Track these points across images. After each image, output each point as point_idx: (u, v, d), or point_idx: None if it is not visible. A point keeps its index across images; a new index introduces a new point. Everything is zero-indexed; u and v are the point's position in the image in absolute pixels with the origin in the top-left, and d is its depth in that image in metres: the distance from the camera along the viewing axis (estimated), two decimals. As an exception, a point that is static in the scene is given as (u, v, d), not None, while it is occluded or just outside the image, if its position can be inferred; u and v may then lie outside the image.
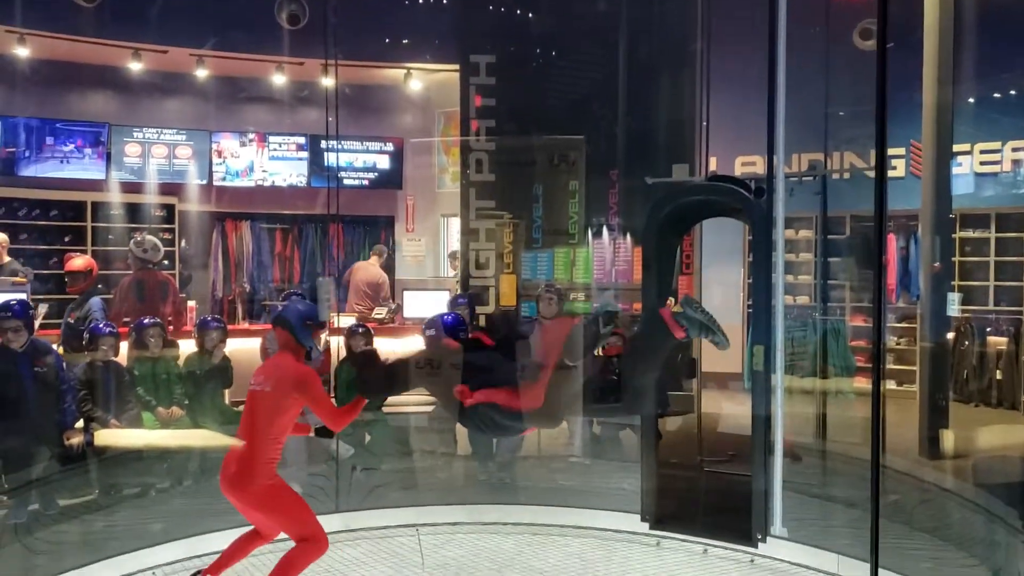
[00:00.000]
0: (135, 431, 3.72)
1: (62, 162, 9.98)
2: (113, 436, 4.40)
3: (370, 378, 5.04)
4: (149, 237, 8.13)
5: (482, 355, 4.68)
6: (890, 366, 10.20)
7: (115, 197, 10.26)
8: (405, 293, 9.48)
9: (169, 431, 3.24)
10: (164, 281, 8.26)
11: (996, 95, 9.41)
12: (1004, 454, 7.15)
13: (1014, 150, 9.57)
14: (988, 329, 9.50)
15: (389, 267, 11.13)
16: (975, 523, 5.48)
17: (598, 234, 9.37)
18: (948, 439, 7.08)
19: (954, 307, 7.16)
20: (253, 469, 4.33)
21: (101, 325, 6.50)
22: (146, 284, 7.99)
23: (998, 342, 9.40)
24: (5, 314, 5.77)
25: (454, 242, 10.59)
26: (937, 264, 7.11)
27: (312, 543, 4.46)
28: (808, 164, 7.44)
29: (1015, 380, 9.04)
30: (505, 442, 6.94)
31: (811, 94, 7.27)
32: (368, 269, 9.90)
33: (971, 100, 9.41)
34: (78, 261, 7.52)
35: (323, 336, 4.64)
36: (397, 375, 4.76)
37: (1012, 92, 9.33)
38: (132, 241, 8.12)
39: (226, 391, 6.88)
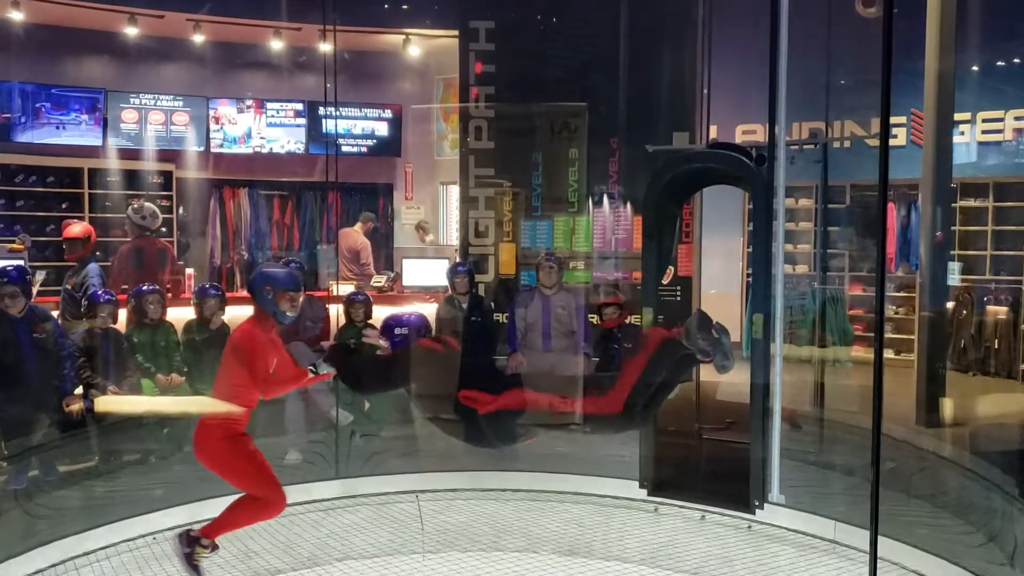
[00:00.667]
0: (135, 397, 3.76)
1: (58, 128, 9.92)
2: (113, 402, 4.43)
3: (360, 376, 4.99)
4: (147, 204, 8.11)
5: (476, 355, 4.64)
6: (888, 335, 10.22)
7: (112, 164, 10.21)
8: (404, 261, 9.47)
9: (168, 397, 3.25)
10: (162, 248, 8.25)
11: (999, 63, 9.34)
12: (1001, 422, 7.19)
13: (1016, 119, 9.52)
14: (986, 298, 9.50)
15: (387, 235, 11.14)
16: (971, 490, 5.52)
17: (598, 202, 9.34)
18: (946, 407, 7.11)
19: (955, 276, 7.15)
20: (203, 427, 4.44)
21: (99, 292, 6.49)
22: (144, 251, 7.97)
23: (996, 311, 9.41)
24: (2, 280, 5.75)
25: (453, 210, 10.57)
26: (939, 234, 7.10)
27: (263, 503, 4.49)
28: (809, 133, 7.40)
29: (1012, 349, 9.07)
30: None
31: (812, 62, 7.21)
32: (350, 235, 9.88)
33: (974, 68, 9.34)
34: (76, 228, 7.50)
35: (294, 301, 4.63)
36: (389, 375, 4.74)
37: (1016, 60, 9.28)
38: (130, 208, 8.09)
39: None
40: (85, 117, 10.04)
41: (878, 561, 3.30)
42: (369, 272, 9.53)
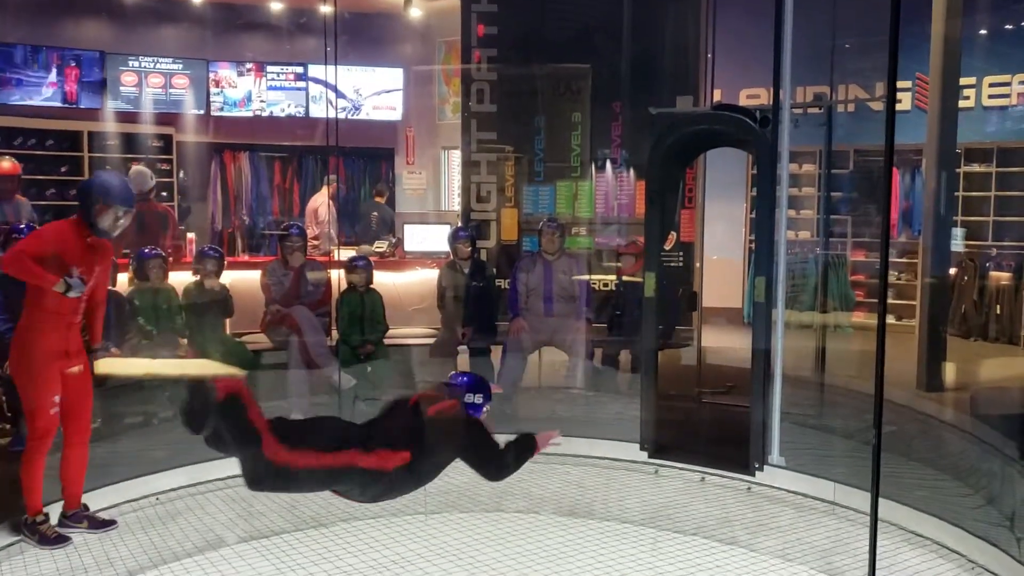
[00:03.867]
0: (134, 360, 3.70)
1: (57, 90, 9.85)
2: (112, 364, 4.39)
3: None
4: (135, 167, 8.10)
5: None
6: (890, 301, 10.22)
7: (112, 127, 10.15)
8: (406, 227, 9.43)
9: (168, 360, 3.22)
10: (163, 213, 8.23)
11: (1007, 27, 9.25)
12: (1000, 386, 7.21)
13: (1022, 83, 9.45)
14: (988, 264, 9.49)
15: (390, 201, 11.07)
16: (971, 453, 5.55)
17: (601, 167, 9.30)
18: (947, 371, 7.13)
19: (958, 242, 7.14)
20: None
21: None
22: (144, 216, 7.95)
23: (999, 277, 9.41)
24: (13, 236, 5.71)
25: (455, 175, 10.53)
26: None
27: (30, 446, 4.48)
28: (813, 96, 7.34)
29: (1014, 315, 9.08)
30: (507, 373, 7.00)
31: (817, 25, 7.15)
32: (314, 199, 9.94)
33: (981, 32, 9.25)
34: (6, 163, 7.47)
35: (117, 220, 4.43)
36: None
37: (1018, 24, 9.17)
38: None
39: (227, 321, 6.91)
40: (84, 80, 9.97)
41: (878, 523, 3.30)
42: (324, 230, 9.48)
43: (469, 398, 3.90)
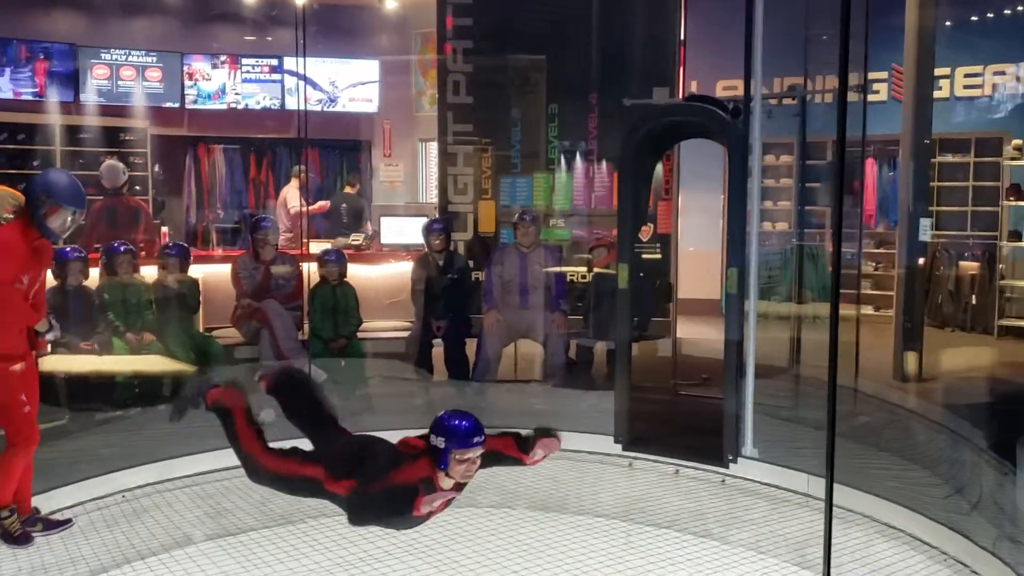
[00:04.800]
0: (78, 357, 3.56)
1: (28, 83, 9.72)
2: (59, 362, 4.25)
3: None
4: (108, 161, 8.01)
5: None
6: (867, 291, 10.25)
7: (85, 120, 10.03)
8: (382, 219, 9.37)
9: (116, 357, 3.14)
10: (135, 207, 8.14)
11: (974, 18, 9.26)
12: (973, 376, 7.22)
13: (995, 74, 9.46)
14: (965, 254, 9.51)
15: (367, 193, 10.99)
16: (941, 443, 5.55)
17: (578, 159, 9.25)
18: (911, 361, 7.14)
19: (927, 233, 7.15)
20: None
21: (68, 249, 6.40)
22: (116, 210, 7.87)
23: (973, 267, 9.44)
24: None
25: (433, 167, 10.46)
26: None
27: (14, 447, 4.38)
28: (788, 87, 7.33)
29: (989, 305, 9.10)
30: (481, 366, 6.97)
31: (792, 16, 7.13)
32: (284, 190, 9.96)
33: (955, 23, 9.25)
34: None
35: (66, 223, 4.18)
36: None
37: (990, 15, 9.18)
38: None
39: (197, 316, 6.84)
40: (56, 72, 9.84)
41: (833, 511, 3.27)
42: (295, 223, 9.42)
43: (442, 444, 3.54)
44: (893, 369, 7.29)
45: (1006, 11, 8.71)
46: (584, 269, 7.60)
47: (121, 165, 8.10)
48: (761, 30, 4.93)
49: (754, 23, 5.01)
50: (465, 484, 3.65)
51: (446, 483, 3.56)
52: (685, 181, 9.41)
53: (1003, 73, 9.16)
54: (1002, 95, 9.46)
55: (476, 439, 3.51)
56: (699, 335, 8.72)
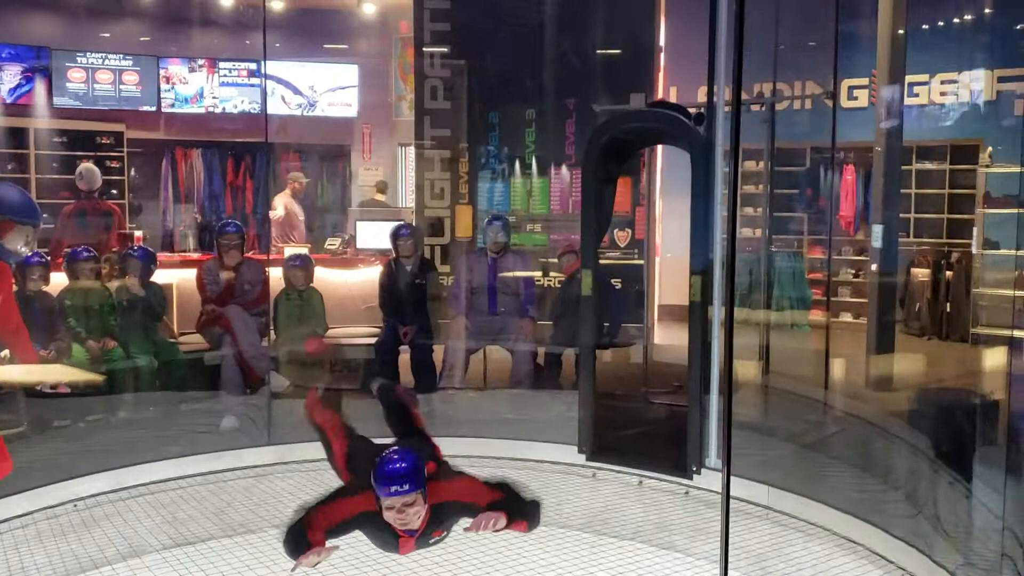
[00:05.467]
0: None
1: (1, 86, 9.64)
2: None
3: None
4: (85, 164, 7.95)
5: None
6: (846, 299, 10.22)
7: (59, 124, 9.95)
8: (358, 224, 9.31)
9: (20, 367, 3.02)
10: (107, 211, 8.07)
11: (955, 21, 9.21)
12: (944, 386, 7.18)
13: (973, 80, 9.42)
14: (941, 262, 9.47)
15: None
16: (896, 452, 5.50)
17: (555, 164, 9.22)
18: (881, 369, 7.11)
19: (879, 239, 7.11)
20: None
21: (29, 254, 6.33)
22: (87, 213, 7.81)
23: (948, 275, 9.39)
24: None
25: (412, 171, 10.41)
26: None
27: None
28: (756, 93, 7.28)
29: (964, 312, 9.05)
30: (450, 373, 6.92)
31: (763, 22, 7.10)
32: (276, 198, 9.88)
33: (929, 28, 9.21)
34: None
35: (27, 237, 3.90)
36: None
37: (967, 19, 9.13)
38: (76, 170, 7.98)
39: (159, 323, 6.77)
40: (30, 75, 9.76)
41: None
42: (287, 231, 9.40)
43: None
44: (865, 377, 7.23)
45: (985, 15, 8.66)
46: (543, 275, 7.56)
47: (90, 167, 8.04)
48: (724, 35, 4.87)
49: (717, 28, 4.95)
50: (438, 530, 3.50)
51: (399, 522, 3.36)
52: (667, 189, 9.38)
53: (978, 80, 9.11)
54: (968, 103, 9.42)
55: (395, 487, 3.26)
56: (677, 342, 8.66)
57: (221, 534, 4.91)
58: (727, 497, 2.57)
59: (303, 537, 3.41)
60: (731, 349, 2.42)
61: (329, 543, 3.42)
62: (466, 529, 3.51)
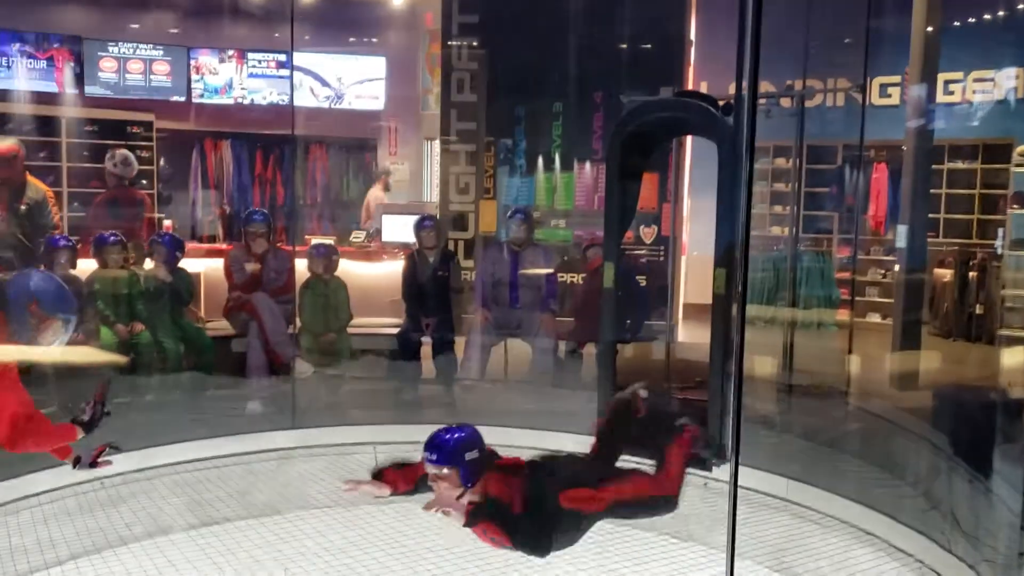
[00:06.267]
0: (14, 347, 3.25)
1: (34, 76, 9.77)
2: None
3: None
4: (121, 151, 8.01)
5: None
6: (875, 299, 10.14)
7: (90, 113, 10.07)
8: (384, 217, 9.35)
9: (45, 347, 2.99)
10: (139, 199, 8.14)
11: (989, 17, 9.11)
12: (971, 386, 7.10)
13: (1008, 79, 9.30)
14: (971, 262, 9.36)
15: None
16: (916, 450, 5.47)
17: (581, 159, 9.22)
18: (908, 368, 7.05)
19: (902, 240, 7.04)
20: None
21: (57, 237, 6.43)
22: (120, 201, 7.88)
23: (976, 276, 9.28)
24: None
25: (438, 166, 10.45)
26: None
27: None
28: (784, 87, 7.25)
29: (992, 314, 8.95)
30: (470, 365, 6.95)
31: (794, 17, 7.06)
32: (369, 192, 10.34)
33: (966, 26, 9.11)
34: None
35: (56, 332, 3.29)
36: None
37: (1003, 14, 9.02)
38: (107, 156, 7.99)
39: (186, 309, 6.85)
40: (62, 65, 9.88)
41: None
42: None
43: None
44: (890, 377, 7.18)
45: (1020, 12, 8.55)
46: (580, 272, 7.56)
47: (127, 153, 8.09)
48: (751, 27, 4.85)
49: (746, 19, 4.92)
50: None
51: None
52: (695, 188, 9.33)
53: (1012, 78, 8.99)
54: (1001, 101, 9.30)
55: (426, 453, 3.30)
56: (703, 340, 8.63)
57: (246, 515, 4.98)
58: (735, 487, 2.58)
59: (381, 471, 3.53)
60: (742, 341, 2.40)
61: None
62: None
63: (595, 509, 3.48)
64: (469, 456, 3.33)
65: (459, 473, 3.30)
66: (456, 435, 3.38)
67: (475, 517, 3.30)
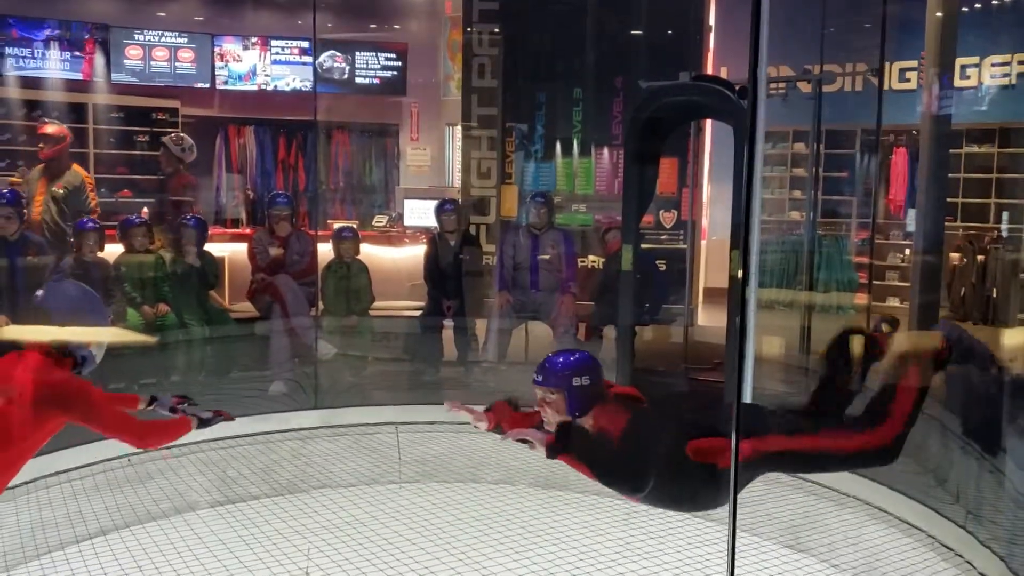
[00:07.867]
0: (41, 328, 3.28)
1: (62, 64, 9.92)
2: (17, 332, 3.85)
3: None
4: (186, 136, 8.08)
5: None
6: (893, 283, 10.12)
7: (117, 100, 10.21)
8: (406, 201, 9.46)
9: (74, 328, 3.06)
10: (189, 184, 8.19)
11: (1007, 0, 9.04)
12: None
13: (1021, 62, 9.24)
14: (990, 247, 9.32)
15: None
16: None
17: (601, 144, 9.26)
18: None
19: (912, 224, 7.02)
20: None
21: (84, 220, 6.56)
22: (169, 186, 8.01)
23: (995, 260, 9.24)
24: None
25: (459, 151, 10.52)
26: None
27: None
28: (802, 71, 7.26)
29: (1011, 298, 8.92)
30: (491, 347, 7.03)
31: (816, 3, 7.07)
32: None
33: (981, 9, 9.05)
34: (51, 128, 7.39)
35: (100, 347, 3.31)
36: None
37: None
38: (168, 139, 8.04)
39: (211, 291, 6.98)
40: (89, 52, 10.02)
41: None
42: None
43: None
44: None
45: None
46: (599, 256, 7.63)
47: (191, 140, 8.12)
48: (767, 10, 4.89)
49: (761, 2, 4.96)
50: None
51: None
52: (715, 173, 9.35)
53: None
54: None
55: (536, 375, 3.23)
56: (720, 323, 8.70)
57: (272, 492, 5.10)
58: (735, 466, 2.63)
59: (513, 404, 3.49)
60: (744, 321, 2.41)
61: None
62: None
63: (745, 458, 3.03)
64: (577, 381, 3.16)
65: (565, 398, 3.16)
66: (567, 358, 3.28)
67: (554, 450, 3.11)
